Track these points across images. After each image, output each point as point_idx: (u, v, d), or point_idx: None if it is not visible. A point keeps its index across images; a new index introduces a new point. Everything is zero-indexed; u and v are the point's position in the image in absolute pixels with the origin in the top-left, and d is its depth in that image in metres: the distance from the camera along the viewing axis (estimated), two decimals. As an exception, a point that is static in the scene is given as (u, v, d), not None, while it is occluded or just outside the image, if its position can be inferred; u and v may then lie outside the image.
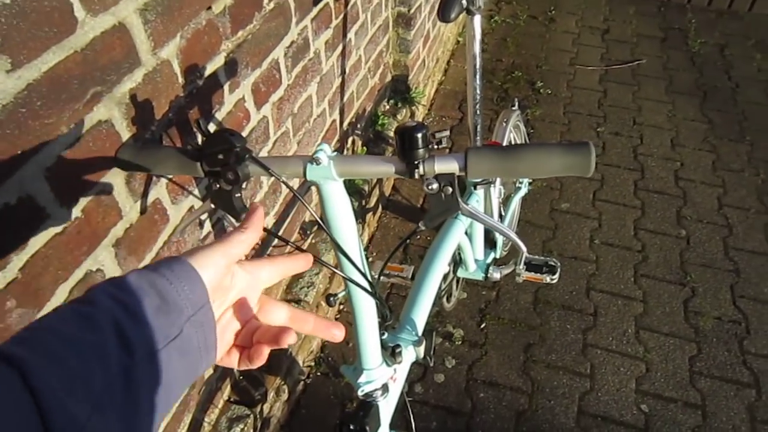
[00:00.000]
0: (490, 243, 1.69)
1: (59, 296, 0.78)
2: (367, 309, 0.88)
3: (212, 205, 0.79)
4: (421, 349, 1.09)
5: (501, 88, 2.95)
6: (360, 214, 1.94)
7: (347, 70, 1.78)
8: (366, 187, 1.97)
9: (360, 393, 0.94)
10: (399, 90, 2.35)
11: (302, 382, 1.69)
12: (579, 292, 2.02)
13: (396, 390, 1.04)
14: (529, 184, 2.22)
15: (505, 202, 1.93)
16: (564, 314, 1.95)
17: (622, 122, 2.77)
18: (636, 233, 2.24)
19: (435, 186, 0.69)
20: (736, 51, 3.30)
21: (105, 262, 0.86)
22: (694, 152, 2.61)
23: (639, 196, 2.39)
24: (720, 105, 2.90)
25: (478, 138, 1.49)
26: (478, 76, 1.39)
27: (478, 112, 1.44)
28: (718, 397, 1.76)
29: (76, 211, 0.78)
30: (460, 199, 0.69)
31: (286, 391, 1.54)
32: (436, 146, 0.68)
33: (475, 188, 1.51)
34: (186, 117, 1.00)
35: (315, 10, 1.43)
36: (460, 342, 1.85)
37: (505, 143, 1.74)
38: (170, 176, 0.98)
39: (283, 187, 1.44)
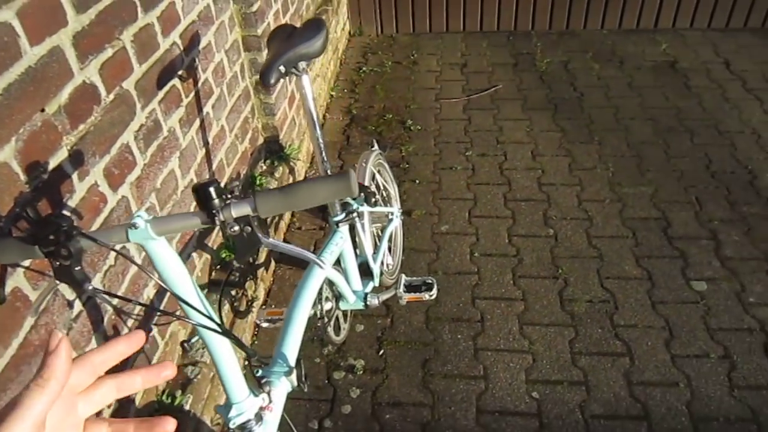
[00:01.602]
0: (366, 274, 1.84)
1: None
2: (220, 347, 0.99)
3: (57, 282, 0.89)
4: (293, 377, 1.21)
5: (375, 132, 3.17)
6: (250, 271, 2.04)
7: (210, 141, 1.91)
8: (251, 245, 2.08)
9: (232, 426, 1.04)
10: (273, 150, 2.50)
11: (215, 442, 1.74)
12: (466, 304, 2.19)
13: (274, 419, 1.14)
14: (403, 216, 2.41)
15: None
16: (454, 326, 2.11)
17: (487, 143, 3.05)
18: (510, 240, 2.46)
19: (236, 228, 0.82)
20: (578, 65, 3.72)
21: (-34, 354, 0.93)
22: (552, 159, 2.91)
23: (509, 207, 2.63)
24: (569, 114, 3.25)
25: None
26: (317, 128, 1.57)
27: (325, 159, 1.60)
28: (598, 371, 1.95)
29: (-74, 311, 0.86)
30: (260, 235, 0.83)
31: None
32: (229, 195, 0.82)
33: (337, 226, 1.66)
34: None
35: (161, 94, 1.57)
36: (362, 372, 1.96)
37: (366, 182, 1.92)
38: (25, 265, 1.06)
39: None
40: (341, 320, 1.90)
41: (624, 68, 3.66)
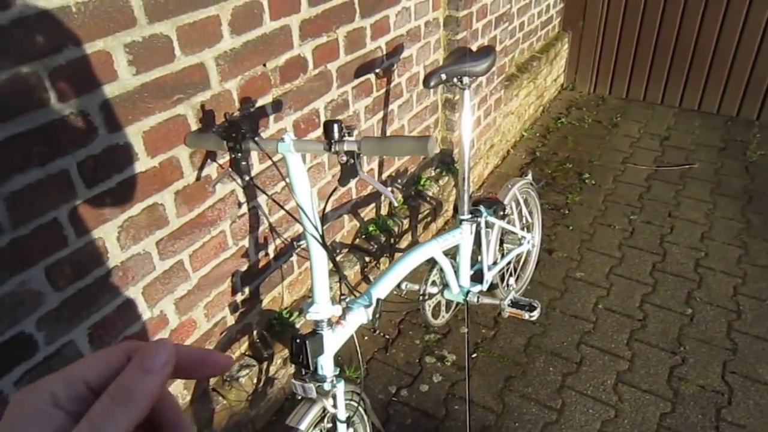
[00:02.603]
0: (477, 278, 2.04)
1: (138, 207, 1.31)
2: (317, 254, 1.32)
3: (230, 169, 1.29)
4: (370, 311, 1.49)
5: (550, 176, 3.31)
6: (387, 249, 2.37)
7: (387, 132, 2.29)
8: (396, 229, 2.42)
9: (307, 318, 1.35)
10: (445, 161, 2.82)
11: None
12: (570, 344, 2.25)
13: (341, 335, 1.42)
14: (543, 253, 2.54)
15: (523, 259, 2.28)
16: (551, 359, 2.19)
17: (657, 214, 3.00)
18: (641, 305, 2.44)
19: (344, 158, 1.14)
20: (797, 166, 3.41)
21: (167, 202, 1.39)
22: (722, 246, 2.77)
23: (654, 276, 2.59)
24: (763, 209, 3.03)
25: (466, 186, 1.90)
26: (466, 144, 1.84)
27: (466, 169, 1.87)
28: (681, 451, 1.89)
29: (155, 162, 1.33)
30: (358, 168, 1.14)
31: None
32: (347, 133, 1.14)
33: (460, 224, 1.91)
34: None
35: (356, 82, 1.98)
36: (450, 364, 2.16)
37: (505, 201, 2.13)
38: (220, 162, 1.51)
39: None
40: (443, 308, 2.12)
41: None
